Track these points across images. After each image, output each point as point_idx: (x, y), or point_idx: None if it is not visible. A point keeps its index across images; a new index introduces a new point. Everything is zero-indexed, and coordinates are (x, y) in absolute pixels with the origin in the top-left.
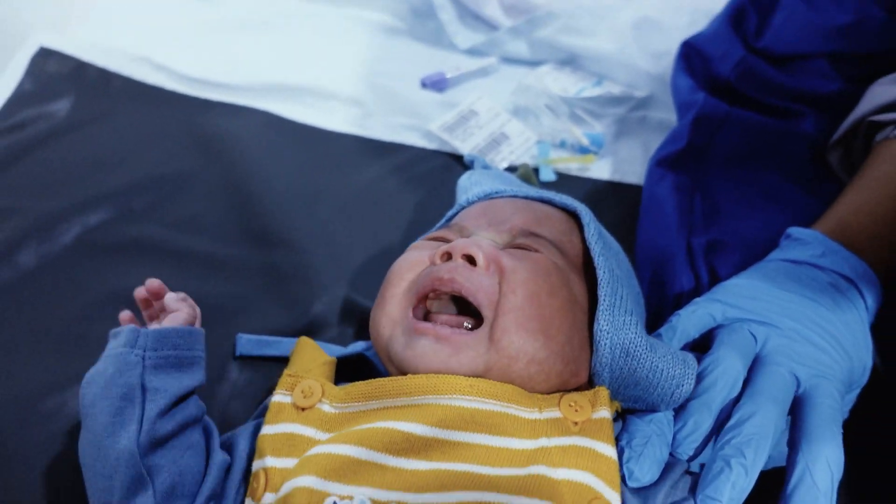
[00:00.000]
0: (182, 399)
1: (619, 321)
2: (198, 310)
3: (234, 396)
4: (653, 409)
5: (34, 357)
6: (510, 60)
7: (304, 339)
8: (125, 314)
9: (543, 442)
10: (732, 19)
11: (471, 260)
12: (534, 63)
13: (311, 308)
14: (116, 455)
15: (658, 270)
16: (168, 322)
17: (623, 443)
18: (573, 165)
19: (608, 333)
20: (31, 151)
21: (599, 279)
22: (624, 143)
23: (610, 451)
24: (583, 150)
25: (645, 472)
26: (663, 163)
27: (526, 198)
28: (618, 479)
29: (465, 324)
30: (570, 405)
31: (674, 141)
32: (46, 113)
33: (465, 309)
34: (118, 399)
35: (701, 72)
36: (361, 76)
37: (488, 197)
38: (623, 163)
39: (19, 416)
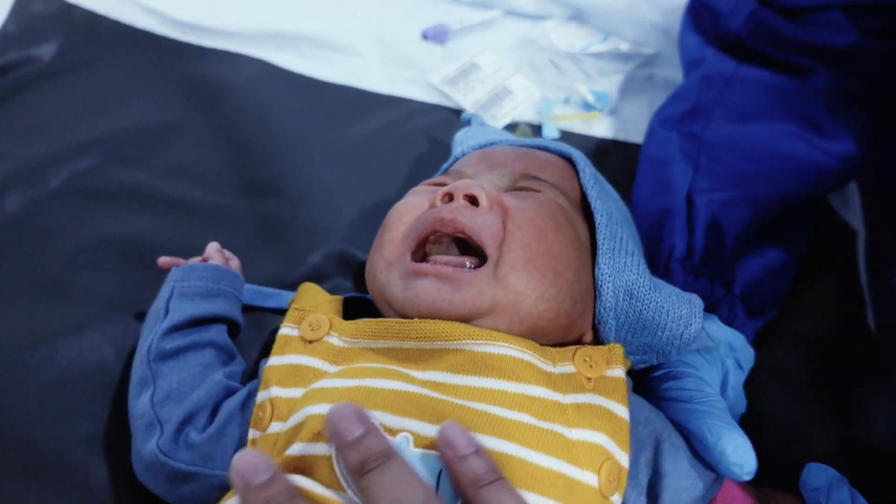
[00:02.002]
0: (199, 322)
1: (621, 263)
2: (235, 260)
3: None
4: (664, 359)
5: (20, 306)
6: (515, 14)
7: (309, 284)
8: (166, 261)
9: (559, 397)
10: None
11: (473, 201)
12: (539, 17)
13: (308, 259)
14: (137, 360)
15: (653, 229)
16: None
17: (711, 438)
18: (577, 123)
19: (610, 276)
20: (16, 95)
21: (597, 222)
22: (630, 101)
23: (623, 412)
24: (588, 108)
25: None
26: (667, 123)
27: (522, 146)
28: (628, 441)
29: (468, 263)
30: (584, 360)
31: (679, 100)
32: (32, 56)
33: (467, 253)
34: (152, 319)
35: (710, 28)
36: (361, 26)
37: (484, 147)
38: (628, 121)
39: (6, 368)
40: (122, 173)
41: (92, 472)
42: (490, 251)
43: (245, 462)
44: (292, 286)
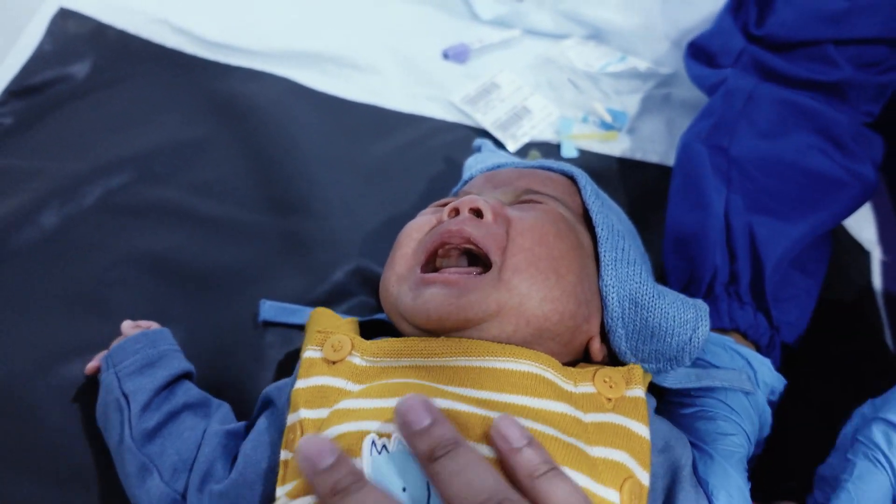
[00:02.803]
0: (163, 389)
1: (624, 273)
2: (153, 324)
3: (256, 360)
4: (679, 366)
5: (56, 318)
6: (534, 33)
7: (321, 310)
8: (90, 366)
9: (580, 415)
10: (732, 10)
11: (478, 214)
12: (558, 36)
13: (332, 276)
14: (122, 453)
15: (690, 245)
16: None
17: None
18: (595, 141)
19: (614, 287)
20: (51, 112)
21: (599, 235)
22: (647, 121)
23: (644, 431)
24: (606, 127)
25: None
26: (697, 138)
27: (526, 167)
28: (648, 460)
29: (474, 272)
30: (604, 381)
31: (705, 116)
32: (66, 75)
33: (476, 265)
34: (114, 412)
35: (708, 66)
36: (383, 45)
37: (491, 170)
38: (645, 140)
39: (40, 380)
40: (152, 190)
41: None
42: (494, 257)
43: (310, 446)
44: (315, 302)
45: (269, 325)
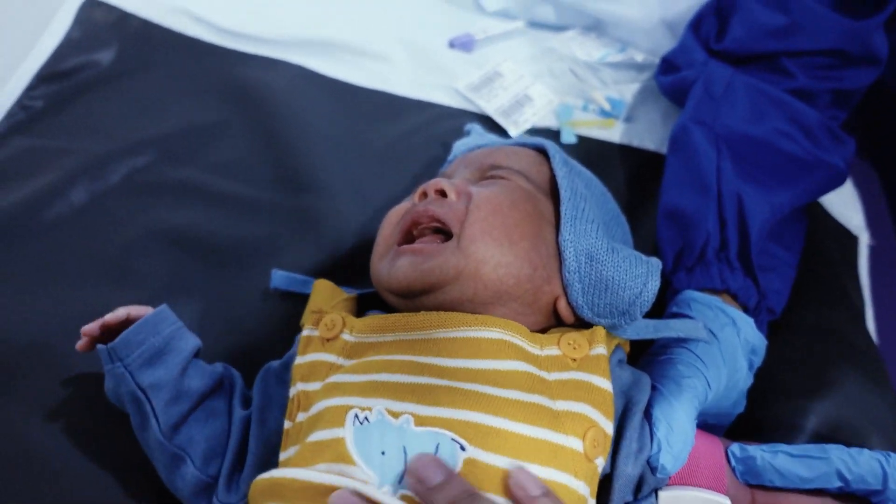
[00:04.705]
0: (181, 376)
1: (581, 229)
2: (147, 309)
3: (267, 327)
4: (632, 320)
5: (87, 286)
6: (537, 25)
7: (322, 281)
8: (82, 342)
9: (544, 374)
10: (693, 26)
11: (443, 194)
12: (560, 28)
13: (339, 251)
14: (151, 445)
15: (683, 217)
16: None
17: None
18: (594, 129)
19: (571, 242)
20: (79, 97)
21: (561, 195)
22: (644, 109)
23: (605, 385)
24: (604, 114)
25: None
26: (684, 114)
27: (497, 145)
28: (612, 410)
29: (439, 240)
30: (568, 343)
31: (690, 100)
32: (92, 61)
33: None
34: (131, 403)
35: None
36: (392, 34)
37: (470, 150)
38: (642, 128)
39: (69, 344)
40: (174, 170)
41: None
42: (454, 229)
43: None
44: (324, 274)
45: (280, 294)
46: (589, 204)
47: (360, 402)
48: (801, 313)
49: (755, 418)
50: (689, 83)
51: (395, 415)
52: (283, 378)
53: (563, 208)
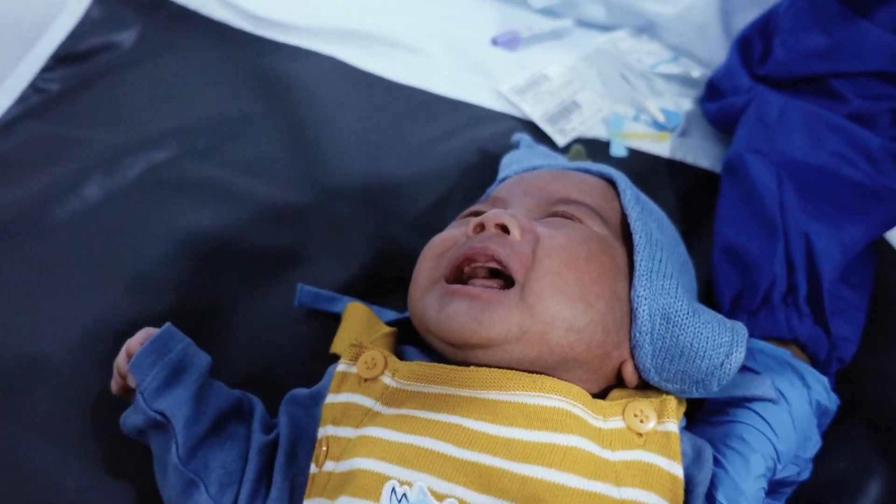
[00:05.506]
0: (199, 393)
1: (658, 286)
2: (152, 330)
3: (292, 345)
4: (705, 391)
5: (97, 292)
6: (585, 24)
7: (356, 305)
8: (116, 386)
9: (608, 455)
10: (741, 49)
11: (505, 229)
12: (609, 27)
13: (371, 266)
14: (167, 470)
15: (744, 256)
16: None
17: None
18: (645, 141)
19: (646, 299)
20: (97, 82)
21: (636, 244)
22: (699, 123)
23: (676, 470)
24: (657, 126)
25: None
26: (740, 143)
27: (563, 169)
28: (681, 499)
29: (498, 285)
30: (634, 415)
31: (743, 127)
32: (113, 42)
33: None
34: (152, 428)
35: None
36: (431, 28)
37: (526, 171)
38: (697, 144)
39: (85, 351)
40: (195, 167)
41: None
42: (518, 276)
43: None
44: (352, 290)
45: (305, 309)
46: (665, 253)
47: (400, 473)
48: (862, 358)
49: (816, 477)
50: (737, 110)
51: (440, 497)
52: (313, 412)
53: (637, 258)
